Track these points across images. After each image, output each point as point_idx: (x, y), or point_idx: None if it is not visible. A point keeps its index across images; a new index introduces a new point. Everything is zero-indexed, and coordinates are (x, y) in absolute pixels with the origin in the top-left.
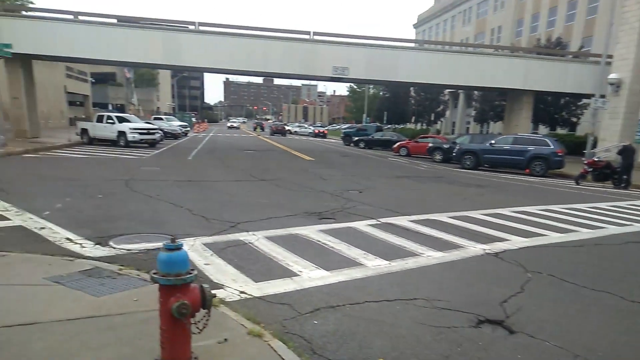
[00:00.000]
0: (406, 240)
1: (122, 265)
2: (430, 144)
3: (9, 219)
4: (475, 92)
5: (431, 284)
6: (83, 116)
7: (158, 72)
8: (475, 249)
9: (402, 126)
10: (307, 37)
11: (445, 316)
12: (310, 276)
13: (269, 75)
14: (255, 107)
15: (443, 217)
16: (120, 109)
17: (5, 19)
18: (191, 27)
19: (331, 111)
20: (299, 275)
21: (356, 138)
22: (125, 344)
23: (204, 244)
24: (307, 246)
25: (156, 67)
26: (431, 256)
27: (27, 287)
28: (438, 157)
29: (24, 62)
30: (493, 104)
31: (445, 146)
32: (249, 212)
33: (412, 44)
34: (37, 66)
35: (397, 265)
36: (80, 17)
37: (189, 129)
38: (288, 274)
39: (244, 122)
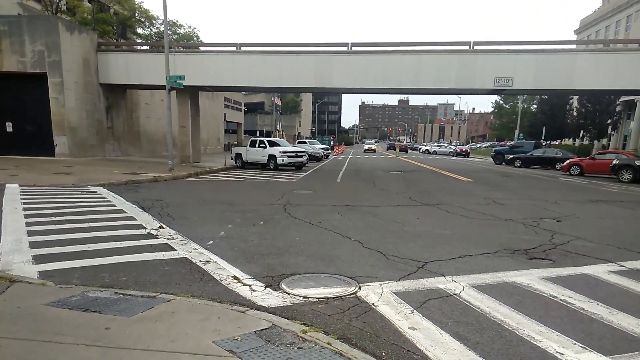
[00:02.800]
0: None
1: (304, 324)
2: (615, 161)
3: (174, 249)
4: None
5: None
6: (235, 142)
7: (301, 99)
8: None
9: (558, 142)
10: (466, 48)
11: None
12: None
13: (421, 92)
14: (391, 129)
15: None
16: (267, 134)
17: (179, 54)
18: (344, 48)
19: (469, 129)
20: None
21: (510, 156)
22: None
23: (395, 293)
24: (541, 305)
25: (307, 91)
26: None
27: (195, 358)
28: (627, 176)
29: (192, 93)
30: None
31: (638, 163)
32: (431, 246)
33: (593, 45)
34: (201, 97)
35: None
36: (243, 48)
37: (329, 151)
38: (543, 357)
39: (377, 142)
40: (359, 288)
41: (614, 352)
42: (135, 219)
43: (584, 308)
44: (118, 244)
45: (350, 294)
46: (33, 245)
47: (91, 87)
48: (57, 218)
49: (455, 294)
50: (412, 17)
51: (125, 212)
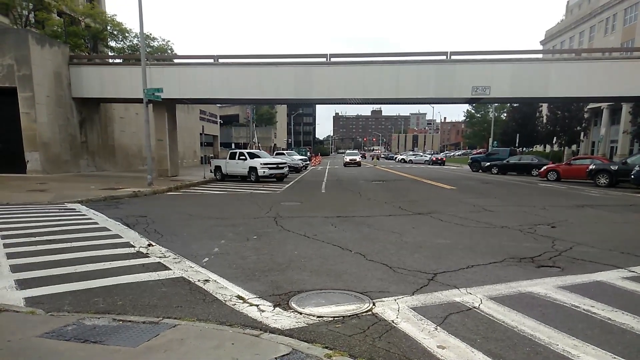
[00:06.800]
0: None
1: (326, 348)
2: (591, 166)
3: (169, 268)
4: (623, 107)
5: None
6: (212, 155)
7: (276, 111)
8: None
9: (530, 149)
10: (443, 58)
11: None
12: None
13: (401, 102)
14: (365, 139)
15: None
16: (244, 146)
17: (155, 67)
18: (322, 59)
19: (442, 138)
20: None
21: (487, 164)
22: None
23: (413, 309)
24: (565, 316)
25: (287, 102)
26: None
27: None
28: (603, 180)
29: (169, 106)
30: None
31: (613, 168)
32: (436, 257)
33: (567, 55)
34: (176, 110)
35: None
36: (220, 60)
37: (308, 162)
38: None
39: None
40: (374, 304)
41: None
42: (121, 237)
43: (611, 318)
44: (107, 265)
45: (366, 311)
46: (15, 269)
47: (63, 101)
48: (37, 238)
49: (474, 308)
50: (389, 31)
51: (109, 230)
